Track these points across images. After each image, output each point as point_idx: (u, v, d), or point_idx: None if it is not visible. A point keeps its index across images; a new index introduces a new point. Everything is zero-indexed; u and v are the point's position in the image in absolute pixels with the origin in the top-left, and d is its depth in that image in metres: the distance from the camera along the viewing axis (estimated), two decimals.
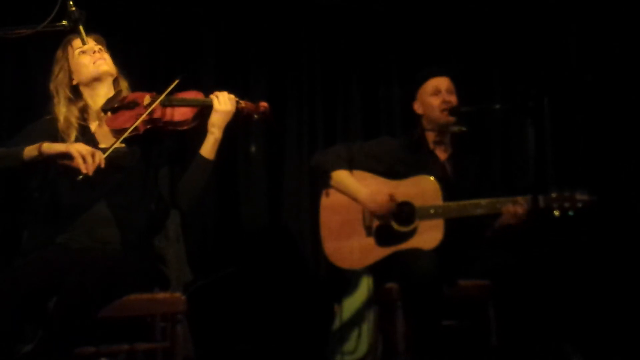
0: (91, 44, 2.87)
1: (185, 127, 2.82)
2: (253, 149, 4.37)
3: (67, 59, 2.87)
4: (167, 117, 2.81)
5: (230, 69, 4.37)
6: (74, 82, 2.89)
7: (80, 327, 2.49)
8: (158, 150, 2.91)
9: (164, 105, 2.80)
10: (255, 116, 2.90)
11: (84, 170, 2.53)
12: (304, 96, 4.50)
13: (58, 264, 2.65)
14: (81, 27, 2.44)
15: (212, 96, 2.83)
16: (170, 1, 4.27)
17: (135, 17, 4.17)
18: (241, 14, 4.40)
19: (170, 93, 2.82)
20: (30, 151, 2.62)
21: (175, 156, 2.94)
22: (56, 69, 2.88)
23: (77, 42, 2.87)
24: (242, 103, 2.87)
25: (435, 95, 3.47)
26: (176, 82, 2.82)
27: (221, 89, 2.87)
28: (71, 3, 2.39)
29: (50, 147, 2.60)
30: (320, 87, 4.53)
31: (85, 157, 2.54)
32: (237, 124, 2.88)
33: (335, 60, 4.55)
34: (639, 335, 3.87)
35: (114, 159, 2.81)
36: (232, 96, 2.85)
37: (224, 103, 2.81)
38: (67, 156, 2.57)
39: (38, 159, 2.62)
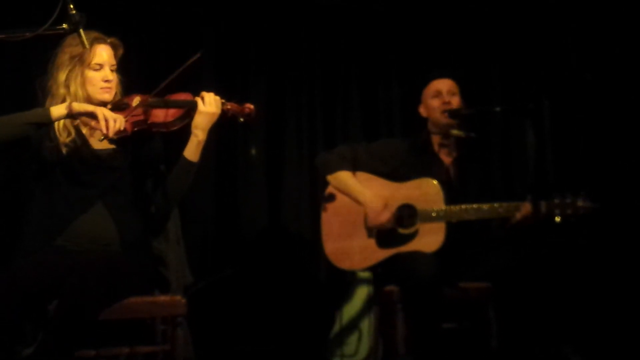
0: (108, 67, 2.84)
1: (173, 128, 2.80)
2: (253, 151, 4.37)
3: (82, 62, 2.82)
4: (155, 119, 2.79)
5: (229, 69, 4.37)
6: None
7: (81, 329, 2.49)
8: (147, 150, 2.91)
9: (151, 106, 2.79)
10: (241, 119, 2.86)
11: (104, 131, 2.62)
12: (303, 97, 4.50)
13: (58, 266, 2.66)
14: (81, 31, 2.43)
15: (198, 97, 2.80)
16: (170, 1, 4.26)
17: (135, 17, 4.16)
18: (241, 14, 4.39)
19: (162, 93, 2.80)
20: (58, 109, 2.66)
21: (162, 156, 2.93)
22: (68, 63, 2.82)
23: (99, 51, 2.83)
24: (228, 105, 2.83)
25: (436, 97, 3.47)
26: (197, 56, 2.81)
27: (221, 89, 2.86)
28: (71, 6, 2.38)
29: (80, 106, 2.68)
30: (319, 88, 4.53)
31: (108, 120, 2.63)
32: (221, 125, 2.84)
33: (335, 61, 4.54)
34: (639, 337, 3.87)
35: (106, 160, 2.83)
36: (217, 98, 2.80)
37: (208, 104, 2.78)
38: (93, 116, 2.66)
39: (67, 115, 2.68)
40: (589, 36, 4.47)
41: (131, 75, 3.02)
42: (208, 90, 2.83)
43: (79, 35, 2.45)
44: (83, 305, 2.50)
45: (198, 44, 4.34)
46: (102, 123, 2.62)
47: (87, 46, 2.53)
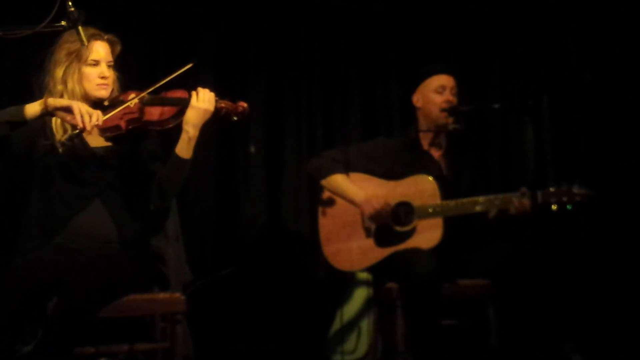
0: (104, 63, 2.83)
1: (168, 126, 2.77)
2: (252, 149, 4.38)
3: (79, 59, 2.81)
4: (150, 117, 2.77)
5: (229, 69, 4.37)
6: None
7: (81, 327, 2.49)
8: (143, 148, 2.89)
9: (146, 104, 2.78)
10: (234, 117, 2.82)
11: (80, 125, 2.59)
12: (303, 96, 4.50)
13: (58, 264, 2.66)
14: (80, 28, 2.44)
15: (193, 92, 2.75)
16: (170, 1, 4.27)
17: (135, 17, 4.17)
18: (241, 14, 4.40)
19: (157, 91, 2.80)
20: (33, 107, 2.64)
21: (159, 154, 2.91)
22: (65, 59, 2.82)
23: (96, 48, 2.82)
24: (222, 102, 2.79)
25: (439, 93, 3.45)
26: (189, 65, 2.81)
27: (220, 88, 2.85)
28: (70, 3, 2.38)
29: (56, 101, 2.66)
30: (319, 87, 4.53)
31: (83, 115, 2.60)
32: (214, 123, 2.82)
33: (335, 60, 4.54)
34: (639, 335, 3.87)
35: (102, 158, 2.82)
36: (212, 94, 2.76)
37: (202, 101, 2.73)
38: (69, 110, 2.62)
39: (42, 112, 2.65)
40: (589, 35, 4.47)
41: (131, 74, 3.03)
42: (226, 97, 2.82)
43: (78, 33, 2.45)
44: (82, 303, 2.50)
45: (197, 44, 4.36)
46: (78, 117, 2.59)
47: (86, 43, 2.53)
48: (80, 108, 2.61)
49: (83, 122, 2.59)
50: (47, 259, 2.68)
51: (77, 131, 2.64)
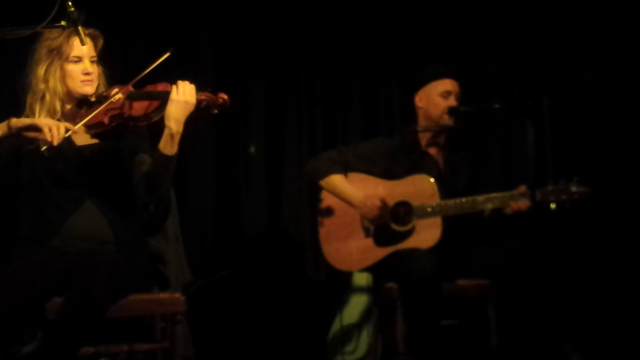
0: (87, 59, 2.78)
1: (153, 120, 2.70)
2: (253, 149, 4.38)
3: (60, 56, 2.75)
4: (133, 112, 2.70)
5: (229, 70, 4.37)
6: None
7: (88, 330, 2.49)
8: (132, 145, 2.82)
9: (130, 98, 2.72)
10: (215, 110, 2.72)
11: (49, 139, 2.53)
12: (303, 96, 4.50)
13: (56, 266, 2.64)
14: (80, 28, 2.43)
15: (173, 86, 2.66)
16: (170, 1, 4.26)
17: (135, 16, 4.17)
18: (241, 15, 4.40)
19: (142, 85, 2.78)
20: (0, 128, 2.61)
21: (148, 151, 2.81)
22: (46, 57, 2.76)
23: (77, 44, 2.73)
24: (202, 95, 2.70)
25: (444, 97, 3.45)
26: (167, 54, 2.78)
27: (220, 88, 2.83)
28: (70, 3, 2.37)
29: (19, 121, 2.62)
30: (319, 88, 4.53)
31: (51, 128, 2.54)
32: (195, 117, 2.72)
33: (335, 61, 4.55)
34: (639, 335, 3.87)
35: (90, 157, 2.78)
36: (193, 87, 2.67)
37: (182, 93, 2.63)
38: (35, 128, 2.58)
39: (8, 133, 2.61)
40: (589, 35, 4.48)
41: (131, 74, 3.01)
42: (207, 89, 2.75)
43: (78, 33, 2.44)
44: (90, 308, 2.48)
45: (197, 44, 4.36)
46: (47, 133, 2.54)
47: (86, 43, 2.52)
48: (47, 123, 2.56)
49: (52, 136, 2.53)
50: (45, 261, 2.66)
51: (46, 147, 2.56)
